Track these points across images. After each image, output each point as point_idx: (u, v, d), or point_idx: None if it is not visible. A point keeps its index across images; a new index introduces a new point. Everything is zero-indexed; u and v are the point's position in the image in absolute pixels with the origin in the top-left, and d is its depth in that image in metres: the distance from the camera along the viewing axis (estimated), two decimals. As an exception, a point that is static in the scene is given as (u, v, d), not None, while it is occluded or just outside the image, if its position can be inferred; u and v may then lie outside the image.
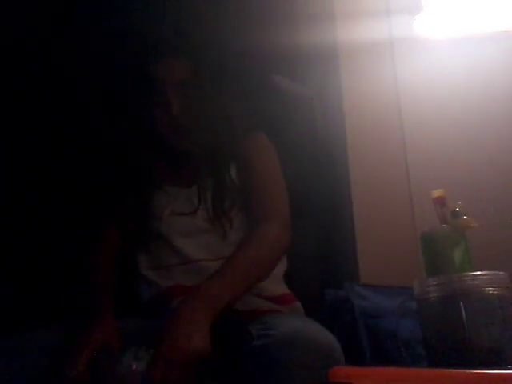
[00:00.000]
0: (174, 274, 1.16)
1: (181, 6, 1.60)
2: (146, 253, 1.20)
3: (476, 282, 0.87)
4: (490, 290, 0.86)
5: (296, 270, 1.29)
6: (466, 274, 0.89)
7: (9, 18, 1.53)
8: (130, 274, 1.21)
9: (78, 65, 1.55)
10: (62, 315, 1.12)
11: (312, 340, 0.84)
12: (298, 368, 0.81)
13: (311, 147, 1.52)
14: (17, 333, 0.99)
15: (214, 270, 1.01)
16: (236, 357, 0.87)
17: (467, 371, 0.76)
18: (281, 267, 1.22)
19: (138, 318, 1.11)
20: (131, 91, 1.25)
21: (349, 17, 1.56)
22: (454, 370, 0.77)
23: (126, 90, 1.29)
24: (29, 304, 1.39)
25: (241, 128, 1.24)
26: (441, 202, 1.01)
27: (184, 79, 1.21)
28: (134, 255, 1.21)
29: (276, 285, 1.19)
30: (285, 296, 1.20)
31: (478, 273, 0.88)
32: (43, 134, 1.54)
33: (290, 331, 0.84)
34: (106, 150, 1.41)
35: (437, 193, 1.02)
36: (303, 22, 1.60)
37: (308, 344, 0.82)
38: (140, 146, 1.24)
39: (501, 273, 0.89)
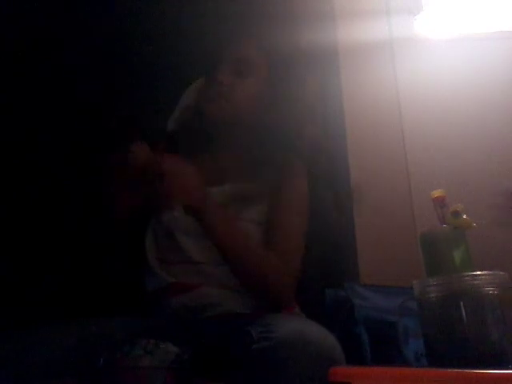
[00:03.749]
0: (175, 272, 1.16)
1: (180, 7, 1.60)
2: (154, 245, 1.21)
3: (476, 282, 0.87)
4: (490, 290, 0.86)
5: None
6: (466, 273, 0.89)
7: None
8: (134, 271, 1.22)
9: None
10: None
11: (313, 341, 0.84)
12: (298, 370, 0.81)
13: (311, 147, 1.51)
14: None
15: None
16: (236, 358, 0.87)
17: (467, 371, 0.75)
18: None
19: (138, 318, 1.11)
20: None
21: (349, 17, 1.56)
22: (454, 370, 0.77)
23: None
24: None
25: (282, 140, 1.19)
26: (441, 202, 1.01)
27: (245, 57, 1.19)
28: (137, 252, 1.22)
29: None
30: None
31: (478, 273, 0.88)
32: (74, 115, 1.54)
33: (291, 333, 0.84)
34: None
35: (437, 193, 1.01)
36: (303, 22, 1.60)
37: (309, 345, 0.83)
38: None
39: (501, 273, 0.89)
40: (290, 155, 1.21)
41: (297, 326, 0.88)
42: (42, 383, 0.90)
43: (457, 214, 0.98)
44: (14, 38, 1.54)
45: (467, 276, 0.88)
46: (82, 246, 1.29)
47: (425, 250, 1.00)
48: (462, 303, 0.85)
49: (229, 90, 1.17)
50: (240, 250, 1.09)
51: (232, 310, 1.11)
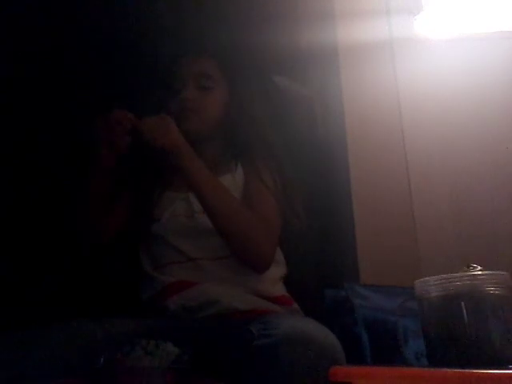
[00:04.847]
0: (175, 271, 1.16)
1: (180, 5, 1.60)
2: (147, 252, 1.21)
3: (476, 282, 0.87)
4: (491, 289, 0.86)
5: (296, 269, 1.30)
6: (467, 274, 0.89)
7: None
8: (133, 272, 1.22)
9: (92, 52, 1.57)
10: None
11: (313, 339, 0.84)
12: (299, 367, 0.81)
13: (311, 147, 1.52)
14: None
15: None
16: (237, 356, 0.87)
17: (467, 371, 0.76)
18: (279, 270, 1.23)
19: (138, 318, 1.11)
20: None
21: (349, 17, 1.55)
22: (454, 370, 0.77)
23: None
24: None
25: (253, 136, 1.24)
26: None
27: (204, 72, 1.24)
28: (137, 253, 1.22)
29: (274, 286, 1.20)
30: (283, 297, 1.20)
31: (479, 273, 0.88)
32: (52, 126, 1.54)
33: (292, 330, 0.84)
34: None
35: None
36: (303, 22, 1.60)
37: (309, 343, 0.83)
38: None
39: (501, 273, 0.89)
40: (257, 155, 1.24)
41: (297, 324, 0.88)
42: (42, 383, 0.90)
43: None
44: (13, 37, 1.54)
45: (468, 276, 0.88)
46: (81, 246, 1.29)
47: None
48: (462, 303, 0.85)
49: (196, 104, 1.22)
50: (222, 196, 1.10)
51: (231, 306, 1.11)
